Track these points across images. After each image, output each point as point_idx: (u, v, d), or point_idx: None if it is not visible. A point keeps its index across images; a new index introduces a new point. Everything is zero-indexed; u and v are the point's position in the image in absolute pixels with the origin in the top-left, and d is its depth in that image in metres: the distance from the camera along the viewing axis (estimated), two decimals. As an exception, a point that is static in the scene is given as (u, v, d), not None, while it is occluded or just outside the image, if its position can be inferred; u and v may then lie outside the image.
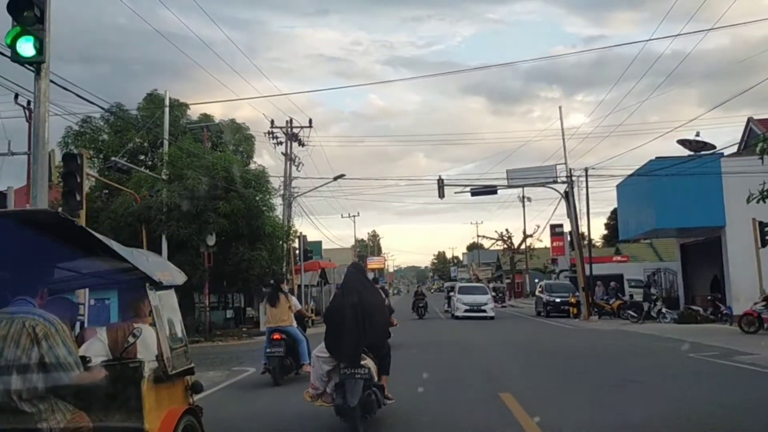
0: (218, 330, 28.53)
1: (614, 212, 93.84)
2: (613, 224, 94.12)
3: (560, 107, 28.94)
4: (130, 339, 4.44)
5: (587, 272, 28.88)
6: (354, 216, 69.01)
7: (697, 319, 23.14)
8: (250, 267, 24.80)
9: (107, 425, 4.06)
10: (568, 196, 28.29)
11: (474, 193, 29.05)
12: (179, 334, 5.02)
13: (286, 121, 29.22)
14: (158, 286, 4.60)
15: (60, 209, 12.79)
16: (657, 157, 27.52)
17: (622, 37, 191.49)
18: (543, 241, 69.92)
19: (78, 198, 13.61)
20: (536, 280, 63.43)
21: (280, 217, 28.57)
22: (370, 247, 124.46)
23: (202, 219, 23.98)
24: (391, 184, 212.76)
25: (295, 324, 11.56)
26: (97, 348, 4.72)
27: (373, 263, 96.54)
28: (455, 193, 29.34)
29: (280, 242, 26.83)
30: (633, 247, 60.37)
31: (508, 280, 64.40)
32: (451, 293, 36.74)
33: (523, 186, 29.51)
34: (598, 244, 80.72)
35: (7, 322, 3.72)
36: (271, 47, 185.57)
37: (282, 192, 28.55)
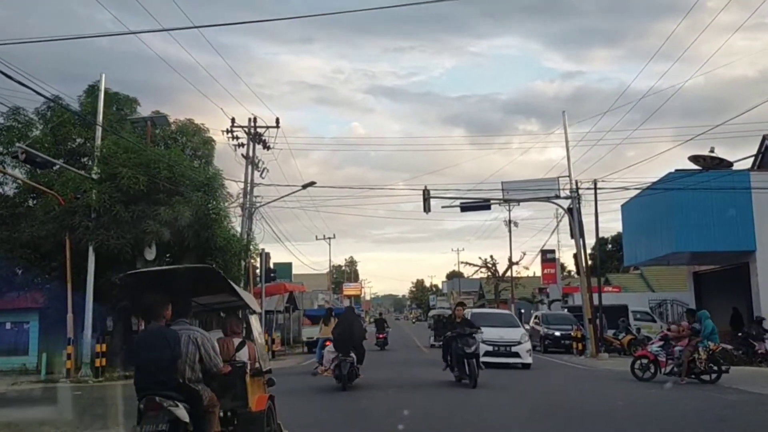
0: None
1: (600, 240, 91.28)
2: (597, 254, 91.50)
3: (564, 112, 25.31)
4: (237, 344, 7.22)
5: (595, 301, 24.99)
6: (329, 238, 64.69)
7: (733, 361, 19.21)
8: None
9: (226, 403, 6.61)
10: (572, 212, 24.54)
11: (464, 208, 25.25)
12: (263, 344, 8.60)
13: (249, 119, 25.32)
14: (253, 312, 7.93)
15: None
16: (677, 169, 23.93)
17: (599, 74, 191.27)
18: (529, 269, 66.34)
19: None
20: (522, 310, 59.47)
21: (239, 230, 24.44)
22: (346, 273, 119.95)
23: (138, 227, 19.80)
24: (369, 212, 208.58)
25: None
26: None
27: (349, 289, 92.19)
28: (443, 207, 25.54)
29: (237, 259, 22.64)
30: (622, 278, 56.67)
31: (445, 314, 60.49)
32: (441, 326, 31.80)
33: (520, 201, 25.80)
34: (575, 275, 77.55)
35: (173, 334, 6.03)
36: (253, 73, 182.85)
37: (241, 200, 24.41)
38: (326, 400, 13.15)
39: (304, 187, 24.78)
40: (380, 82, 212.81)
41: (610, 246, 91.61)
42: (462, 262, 65.94)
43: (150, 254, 20.42)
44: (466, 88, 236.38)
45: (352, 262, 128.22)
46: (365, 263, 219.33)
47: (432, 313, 41.53)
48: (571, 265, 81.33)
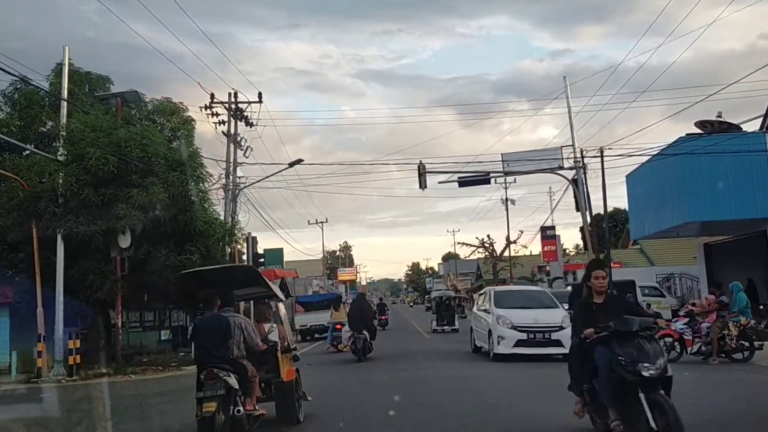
0: (147, 356, 22.65)
1: (597, 217, 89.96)
2: (595, 230, 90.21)
3: (565, 77, 23.68)
4: (269, 330, 8.88)
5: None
6: (322, 222, 63.11)
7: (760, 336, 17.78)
8: (177, 273, 18.99)
9: (263, 375, 8.19)
10: (577, 183, 23.03)
11: (462, 183, 23.70)
12: (289, 326, 10.48)
13: (229, 94, 23.62)
14: (280, 300, 9.89)
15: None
16: (688, 134, 22.41)
17: (587, 51, 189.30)
18: (528, 247, 65.04)
19: None
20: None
21: (222, 213, 22.85)
22: (341, 258, 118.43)
23: (110, 213, 18.20)
24: (363, 196, 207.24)
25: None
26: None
27: (344, 275, 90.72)
28: (439, 183, 23.96)
29: (220, 244, 21.07)
30: (622, 254, 55.31)
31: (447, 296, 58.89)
32: (447, 309, 30.31)
33: (521, 173, 24.24)
34: (572, 252, 76.16)
35: (224, 320, 7.65)
36: (241, 60, 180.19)
37: (223, 182, 22.79)
38: (345, 371, 15.79)
39: (291, 165, 23.17)
40: (369, 66, 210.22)
41: (604, 224, 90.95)
42: (458, 243, 64.32)
43: (124, 241, 18.83)
44: (455, 70, 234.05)
45: (346, 247, 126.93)
46: (360, 248, 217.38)
47: (433, 294, 39.03)
48: (567, 243, 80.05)
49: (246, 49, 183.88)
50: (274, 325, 9.14)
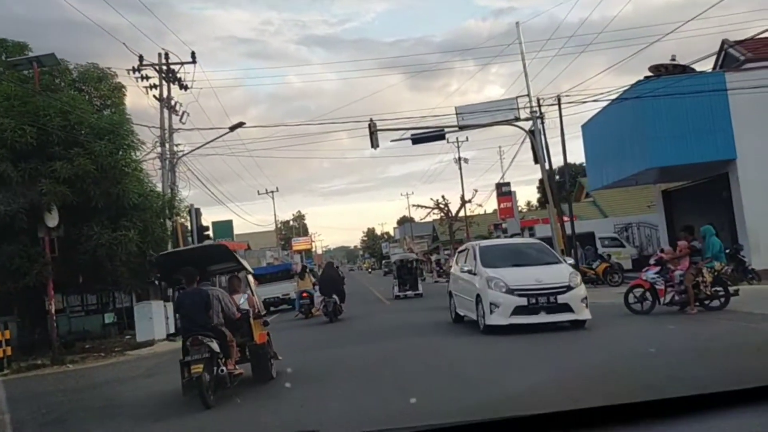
0: (90, 342, 21.14)
1: (549, 172, 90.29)
2: (566, 178, 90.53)
3: (518, 23, 22.50)
4: (242, 300, 9.69)
5: (567, 231, 22.82)
6: (272, 192, 61.39)
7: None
8: (112, 253, 17.47)
9: (239, 339, 9.26)
10: (534, 134, 22.10)
11: (416, 140, 22.49)
12: (257, 296, 11.01)
13: (159, 54, 21.73)
14: (249, 272, 11.10)
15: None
16: (646, 77, 21.64)
17: (530, 9, 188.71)
18: (483, 206, 64.58)
19: None
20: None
21: (159, 185, 21.19)
22: (295, 228, 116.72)
23: (33, 189, 16.49)
24: (314, 163, 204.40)
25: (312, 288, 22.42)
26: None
27: (298, 244, 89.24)
28: (392, 141, 22.78)
29: (159, 218, 19.52)
30: (575, 207, 55.17)
31: (447, 252, 58.26)
32: (407, 273, 28.09)
33: (477, 126, 23.13)
34: (525, 209, 76.16)
35: (204, 293, 8.72)
36: (179, 30, 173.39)
37: (159, 150, 21.02)
38: (318, 331, 17.86)
39: (232, 129, 21.56)
40: (312, 32, 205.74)
41: (558, 177, 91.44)
42: (413, 206, 63.37)
43: (51, 220, 17.15)
44: (400, 32, 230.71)
45: (299, 217, 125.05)
46: (314, 217, 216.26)
47: (393, 258, 33.99)
48: (520, 201, 79.99)
49: (184, 18, 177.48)
50: (245, 295, 10.09)
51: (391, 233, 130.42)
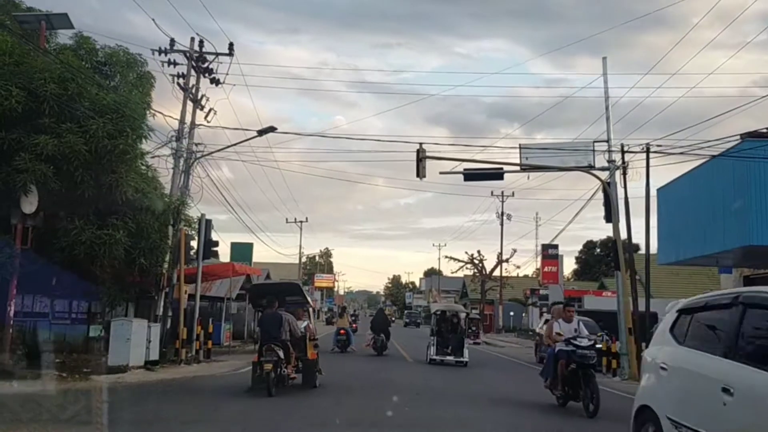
0: (67, 355, 17.98)
1: (588, 244, 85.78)
2: (584, 258, 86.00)
3: (604, 58, 19.33)
4: (303, 325, 13.78)
5: (637, 306, 19.18)
6: (301, 222, 58.50)
7: None
8: (92, 254, 14.45)
9: (296, 353, 12.93)
10: (610, 187, 18.67)
11: (469, 176, 19.34)
12: (314, 324, 15.26)
13: (192, 39, 19.01)
14: (310, 306, 15.96)
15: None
16: (748, 135, 18.22)
17: (582, 81, 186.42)
18: (520, 268, 60.91)
19: None
20: (511, 313, 54.10)
21: (166, 186, 18.25)
22: (320, 265, 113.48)
23: (10, 165, 13.64)
24: (348, 206, 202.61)
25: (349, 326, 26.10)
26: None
27: (321, 281, 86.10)
28: (441, 173, 19.56)
29: (160, 222, 16.52)
30: (615, 285, 51.08)
31: (475, 311, 54.32)
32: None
33: (543, 169, 19.83)
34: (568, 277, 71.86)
35: (279, 315, 12.68)
36: (239, 60, 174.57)
37: (174, 146, 18.12)
38: (366, 361, 20.91)
39: (261, 132, 18.60)
40: (365, 78, 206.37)
41: (598, 250, 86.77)
42: (446, 257, 59.73)
43: (29, 205, 14.25)
44: (451, 89, 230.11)
45: (326, 254, 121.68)
46: (341, 257, 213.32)
47: (435, 308, 24.29)
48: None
49: (244, 49, 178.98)
50: (306, 322, 14.00)
51: (417, 284, 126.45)
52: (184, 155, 18.42)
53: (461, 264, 57.19)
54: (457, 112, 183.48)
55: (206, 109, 19.37)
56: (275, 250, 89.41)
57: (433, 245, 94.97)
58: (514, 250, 55.72)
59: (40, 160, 13.67)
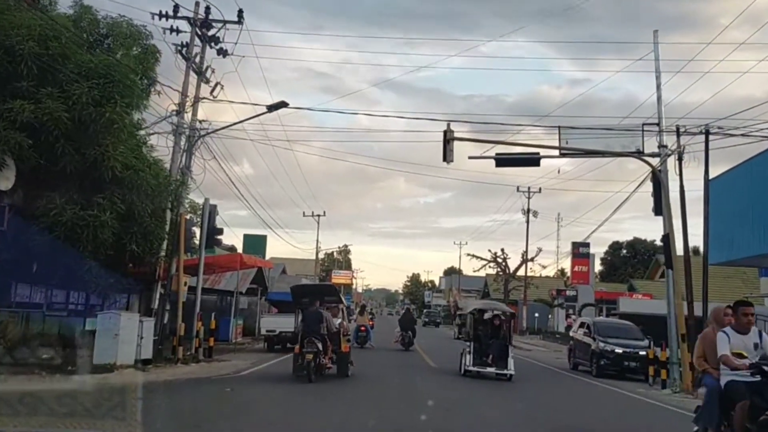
0: (53, 350, 16.22)
1: (614, 245, 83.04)
2: (609, 259, 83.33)
3: (655, 30, 17.18)
4: (337, 322, 15.01)
5: (688, 309, 17.03)
6: (318, 215, 56.68)
7: None
8: (75, 238, 12.69)
9: (333, 348, 14.47)
10: (661, 174, 16.55)
11: (501, 162, 17.33)
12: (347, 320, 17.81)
13: (196, 2, 17.16)
14: (344, 305, 17.67)
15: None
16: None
17: (606, 82, 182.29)
18: (546, 267, 58.74)
19: None
20: (536, 315, 51.90)
21: (167, 164, 16.44)
22: (338, 261, 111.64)
23: (-18, 133, 11.91)
24: (367, 204, 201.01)
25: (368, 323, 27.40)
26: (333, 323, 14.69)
27: (339, 277, 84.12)
28: (470, 158, 17.57)
29: (156, 204, 14.72)
30: (650, 285, 48.78)
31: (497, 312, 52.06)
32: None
33: (585, 154, 17.67)
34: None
35: (319, 312, 14.19)
36: (259, 55, 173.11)
37: (174, 121, 16.28)
38: (394, 355, 23.35)
39: (271, 108, 16.71)
40: (388, 75, 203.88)
41: (624, 251, 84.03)
42: (467, 255, 57.46)
43: (4, 181, 12.55)
44: (473, 88, 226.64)
45: (345, 250, 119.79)
46: (359, 255, 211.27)
47: (471, 308, 19.04)
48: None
49: (265, 46, 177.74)
50: (340, 320, 15.56)
51: (437, 282, 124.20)
52: (186, 132, 16.58)
53: (484, 262, 55.02)
54: (478, 111, 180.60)
55: (212, 84, 17.51)
56: (291, 245, 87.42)
57: (454, 243, 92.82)
58: (540, 249, 53.40)
59: (15, 128, 11.95)
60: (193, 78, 17.44)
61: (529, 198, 48.72)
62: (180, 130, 16.37)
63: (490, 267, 55.56)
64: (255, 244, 35.97)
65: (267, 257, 41.35)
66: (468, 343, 16.95)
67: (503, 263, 54.49)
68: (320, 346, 13.44)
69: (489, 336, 16.99)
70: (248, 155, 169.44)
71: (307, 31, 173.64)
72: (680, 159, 16.14)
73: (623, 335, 19.53)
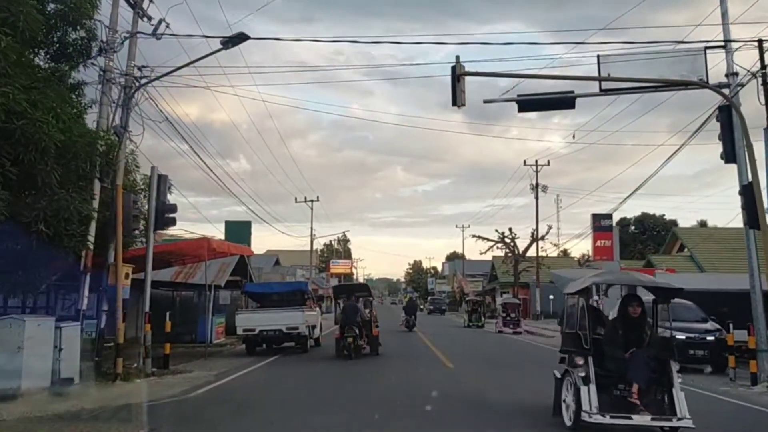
0: None
1: (621, 222, 78.99)
2: (619, 237, 79.62)
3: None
4: (368, 313, 19.37)
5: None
6: (312, 201, 52.84)
7: None
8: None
9: (365, 331, 19.13)
10: (732, 109, 12.74)
11: (525, 105, 13.53)
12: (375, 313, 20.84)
13: None
14: (373, 298, 25.85)
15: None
16: None
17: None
18: (559, 246, 54.97)
19: None
20: (551, 297, 48.21)
21: (94, 118, 12.64)
22: (338, 252, 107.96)
23: None
24: (366, 195, 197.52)
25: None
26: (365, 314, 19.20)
27: (338, 267, 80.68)
28: (485, 101, 13.78)
29: (70, 171, 10.94)
30: (668, 260, 45.04)
31: (507, 295, 48.25)
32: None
33: (635, 88, 13.75)
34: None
35: (355, 305, 18.78)
36: (252, 51, 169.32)
37: (101, 63, 12.45)
38: (400, 336, 28.58)
39: (226, 44, 12.79)
40: (380, 65, 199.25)
41: (633, 228, 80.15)
42: (473, 236, 53.56)
43: None
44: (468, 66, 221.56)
45: (344, 239, 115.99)
46: (360, 245, 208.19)
47: (588, 281, 8.62)
48: (582, 248, 69.79)
49: (257, 41, 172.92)
50: (370, 310, 19.49)
51: (439, 269, 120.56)
52: (118, 79, 12.72)
53: (491, 243, 51.29)
54: (472, 98, 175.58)
55: (154, 21, 13.63)
56: (283, 233, 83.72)
57: (456, 227, 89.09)
58: (550, 227, 49.60)
59: None
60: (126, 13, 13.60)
61: (537, 171, 45.02)
62: (108, 76, 12.50)
63: (498, 248, 51.86)
64: (238, 231, 32.26)
65: (265, 251, 37.83)
66: (579, 360, 8.28)
67: (512, 243, 50.80)
68: (357, 331, 17.56)
69: (626, 341, 8.51)
70: (245, 153, 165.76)
71: (298, 23, 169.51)
72: (765, 82, 12.29)
73: (682, 317, 15.73)
